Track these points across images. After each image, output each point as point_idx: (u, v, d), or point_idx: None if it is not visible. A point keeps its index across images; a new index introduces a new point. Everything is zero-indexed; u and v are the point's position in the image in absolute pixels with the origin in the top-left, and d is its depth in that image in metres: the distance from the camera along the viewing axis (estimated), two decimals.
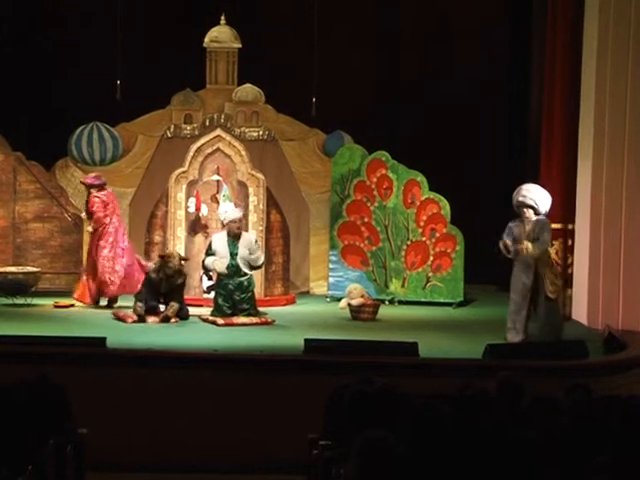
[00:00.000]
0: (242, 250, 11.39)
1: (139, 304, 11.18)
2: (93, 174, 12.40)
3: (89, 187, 12.18)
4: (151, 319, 11.12)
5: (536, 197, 10.36)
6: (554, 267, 10.56)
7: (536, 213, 10.34)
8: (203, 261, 11.53)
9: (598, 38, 11.37)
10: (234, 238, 11.42)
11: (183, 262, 11.54)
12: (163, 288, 11.30)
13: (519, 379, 6.23)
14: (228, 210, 11.78)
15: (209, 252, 11.47)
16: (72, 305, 12.05)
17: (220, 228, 12.09)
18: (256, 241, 11.69)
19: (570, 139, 12.01)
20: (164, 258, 11.39)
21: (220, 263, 11.31)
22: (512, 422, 5.47)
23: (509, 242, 10.26)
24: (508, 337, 10.33)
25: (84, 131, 13.47)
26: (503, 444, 4.94)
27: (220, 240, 11.46)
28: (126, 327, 10.85)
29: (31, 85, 13.68)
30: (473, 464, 4.85)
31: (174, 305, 11.23)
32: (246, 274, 11.40)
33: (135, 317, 11.12)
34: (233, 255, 11.36)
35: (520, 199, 10.33)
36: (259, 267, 11.65)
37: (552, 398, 6.06)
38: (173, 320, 11.15)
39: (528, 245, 10.23)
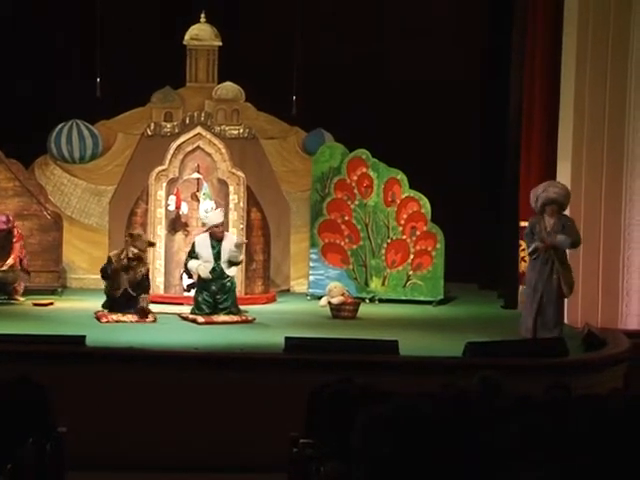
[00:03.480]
0: (225, 251, 11.34)
1: (143, 295, 10.94)
2: (3, 218, 12.31)
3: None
4: (129, 317, 11.01)
5: (565, 194, 10.49)
6: (570, 266, 10.60)
7: (561, 209, 10.44)
8: (186, 263, 11.48)
9: (577, 38, 11.41)
10: (217, 241, 11.38)
11: (150, 247, 11.45)
12: (124, 280, 11.00)
13: (498, 378, 6.24)
14: (209, 215, 11.66)
15: (192, 255, 11.41)
16: (51, 303, 12.01)
17: (201, 227, 12.07)
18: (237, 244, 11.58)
19: (550, 139, 12.05)
20: (132, 236, 11.18)
21: (204, 268, 11.24)
22: (492, 420, 5.47)
23: (540, 245, 10.36)
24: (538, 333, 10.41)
25: (64, 129, 13.42)
26: (483, 443, 4.94)
27: (203, 243, 11.39)
28: (105, 325, 10.81)
29: (10, 82, 13.60)
30: (453, 462, 4.86)
31: (145, 297, 11.10)
32: (229, 276, 11.37)
33: (110, 317, 10.93)
34: (217, 258, 11.31)
35: (553, 196, 10.37)
36: (238, 264, 11.59)
37: (531, 396, 6.07)
38: (151, 318, 11.07)
39: (560, 238, 10.30)
